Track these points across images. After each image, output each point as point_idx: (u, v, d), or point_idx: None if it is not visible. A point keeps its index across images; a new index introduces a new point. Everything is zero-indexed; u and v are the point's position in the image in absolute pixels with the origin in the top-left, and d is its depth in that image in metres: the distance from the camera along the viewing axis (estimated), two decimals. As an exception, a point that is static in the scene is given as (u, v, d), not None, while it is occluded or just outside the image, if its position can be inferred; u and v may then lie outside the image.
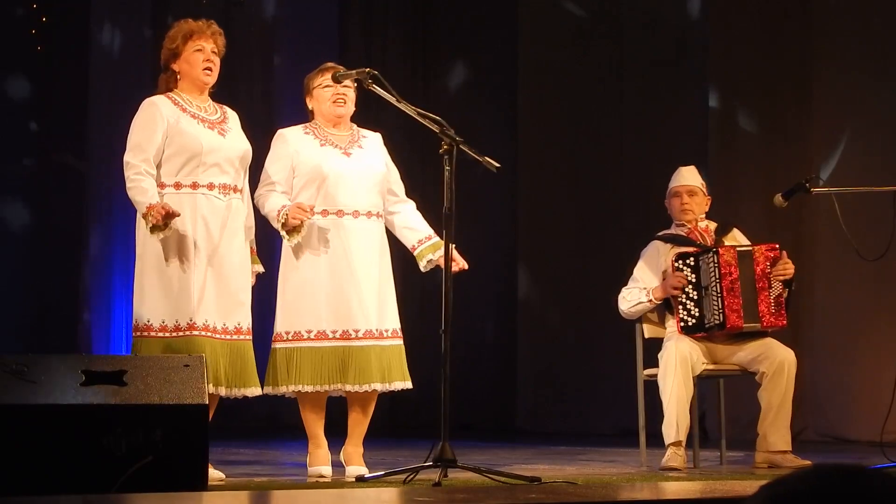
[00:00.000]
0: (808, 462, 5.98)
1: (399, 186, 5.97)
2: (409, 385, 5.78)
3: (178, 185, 5.41)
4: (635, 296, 6.42)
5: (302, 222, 5.60)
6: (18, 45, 9.99)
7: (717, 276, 6.21)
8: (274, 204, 5.68)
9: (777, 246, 6.37)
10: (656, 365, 6.42)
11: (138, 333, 5.39)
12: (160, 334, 5.34)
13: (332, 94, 5.81)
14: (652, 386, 6.37)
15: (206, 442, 4.61)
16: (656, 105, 9.67)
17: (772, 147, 9.12)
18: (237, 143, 5.56)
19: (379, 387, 5.68)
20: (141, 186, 5.33)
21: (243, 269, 5.55)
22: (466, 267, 5.75)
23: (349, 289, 5.66)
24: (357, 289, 5.67)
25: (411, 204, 5.99)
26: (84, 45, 10.10)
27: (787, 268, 6.29)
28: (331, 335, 5.65)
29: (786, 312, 6.32)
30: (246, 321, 5.51)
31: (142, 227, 5.39)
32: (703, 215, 6.57)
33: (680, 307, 6.28)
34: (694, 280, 6.28)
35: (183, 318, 5.35)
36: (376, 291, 5.72)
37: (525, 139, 10.26)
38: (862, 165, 8.71)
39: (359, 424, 5.79)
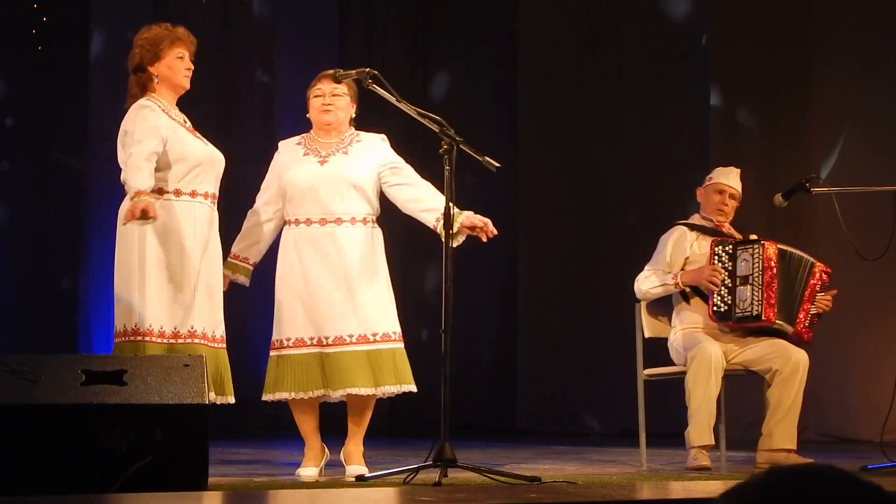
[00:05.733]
0: (811, 461, 5.97)
1: (405, 175, 5.80)
2: (406, 388, 5.70)
3: (178, 192, 5.39)
4: (659, 278, 6.33)
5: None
6: (18, 45, 9.98)
7: (760, 269, 6.17)
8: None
9: (830, 272, 6.33)
10: (656, 365, 6.41)
11: (139, 338, 5.34)
12: (158, 339, 5.32)
13: (320, 103, 5.82)
14: (652, 386, 6.36)
15: (206, 442, 4.61)
16: (657, 104, 9.67)
17: (772, 147, 9.12)
18: (217, 152, 5.59)
19: (363, 391, 5.62)
20: (136, 164, 5.21)
21: (221, 279, 5.62)
22: (495, 231, 5.61)
23: (320, 295, 5.68)
24: (329, 295, 5.66)
25: (426, 186, 5.78)
26: (84, 45, 10.09)
27: (829, 303, 6.27)
28: (308, 342, 5.68)
29: (813, 333, 6.31)
30: (222, 330, 5.55)
31: (136, 231, 5.32)
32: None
33: (714, 293, 6.23)
34: (730, 268, 6.24)
35: (183, 326, 5.36)
36: (352, 297, 5.69)
37: (525, 139, 10.26)
38: (862, 165, 8.71)
39: (357, 425, 5.78)
